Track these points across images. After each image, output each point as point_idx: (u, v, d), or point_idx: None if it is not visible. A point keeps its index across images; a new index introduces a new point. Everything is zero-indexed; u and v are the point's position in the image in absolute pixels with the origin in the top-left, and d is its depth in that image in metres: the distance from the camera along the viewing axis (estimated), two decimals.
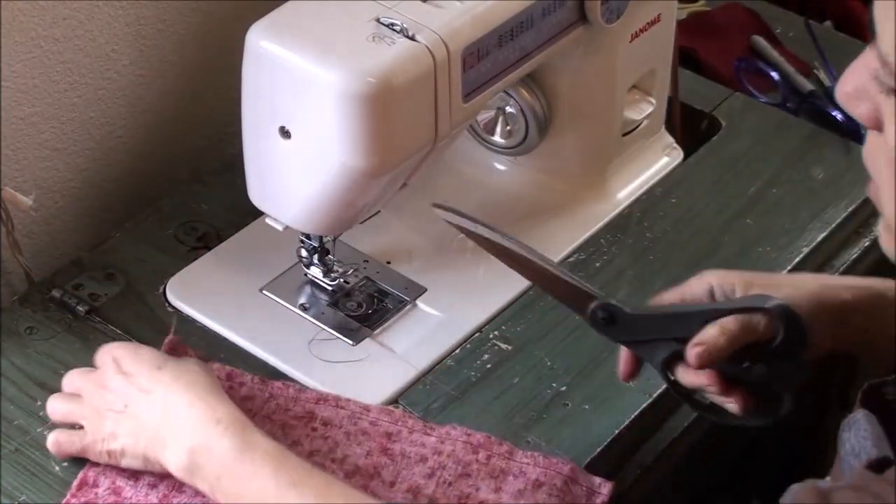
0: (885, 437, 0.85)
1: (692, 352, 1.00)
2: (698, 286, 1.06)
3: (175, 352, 1.15)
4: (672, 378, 1.04)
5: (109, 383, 1.08)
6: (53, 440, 1.09)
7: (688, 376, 1.02)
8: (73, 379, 1.11)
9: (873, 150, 0.82)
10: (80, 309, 1.22)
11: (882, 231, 0.84)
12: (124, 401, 1.06)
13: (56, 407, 1.10)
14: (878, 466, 0.85)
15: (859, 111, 0.80)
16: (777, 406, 1.01)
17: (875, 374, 0.98)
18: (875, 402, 0.90)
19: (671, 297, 1.06)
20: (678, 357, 1.03)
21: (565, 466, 1.08)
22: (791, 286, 1.05)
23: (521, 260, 1.06)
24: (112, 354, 1.10)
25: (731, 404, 1.01)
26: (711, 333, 1.00)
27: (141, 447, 1.04)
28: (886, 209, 0.81)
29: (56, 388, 1.16)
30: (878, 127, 0.80)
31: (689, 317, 1.03)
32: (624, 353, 1.07)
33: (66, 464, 1.11)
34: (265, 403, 1.12)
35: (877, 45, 0.76)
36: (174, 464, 1.02)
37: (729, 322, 1.00)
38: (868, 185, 0.84)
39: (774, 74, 1.54)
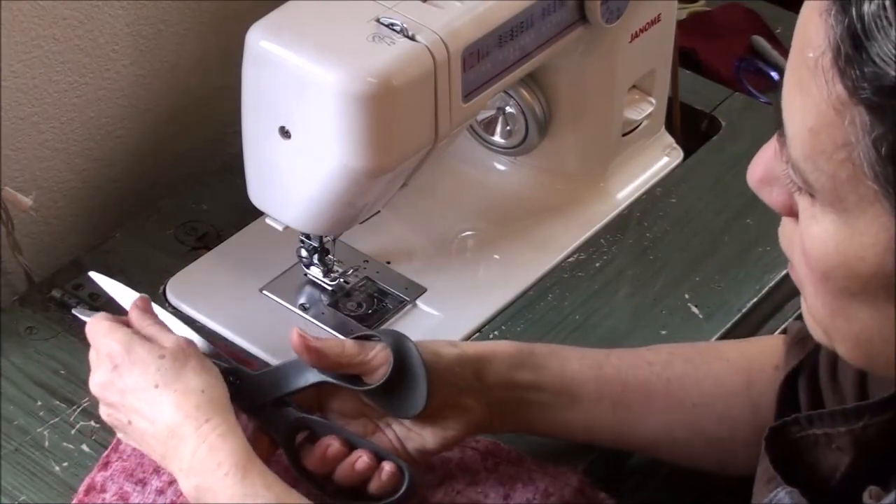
0: None
1: (300, 338, 1.01)
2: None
3: None
4: (300, 462, 1.03)
5: (108, 396, 1.03)
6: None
7: (314, 452, 1.02)
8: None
9: (789, 236, 0.79)
10: None
11: (806, 317, 0.81)
12: (127, 416, 1.02)
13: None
14: None
15: (772, 198, 0.78)
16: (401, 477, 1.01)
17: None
18: (779, 442, 0.88)
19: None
20: (306, 439, 1.03)
21: (574, 477, 1.08)
22: (437, 342, 1.06)
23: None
24: (107, 350, 1.02)
25: (359, 465, 1.01)
26: (326, 338, 1.03)
27: (153, 457, 1.03)
28: (809, 300, 0.78)
29: (56, 388, 1.16)
30: (792, 214, 0.77)
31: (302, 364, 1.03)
32: (252, 433, 1.04)
33: (66, 464, 1.11)
34: None
35: (787, 146, 0.73)
36: (184, 489, 0.99)
37: (346, 340, 1.03)
38: (788, 266, 0.81)
39: (774, 74, 1.54)
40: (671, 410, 1.05)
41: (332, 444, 1.02)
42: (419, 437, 1.04)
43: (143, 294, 1.09)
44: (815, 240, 0.74)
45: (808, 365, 0.96)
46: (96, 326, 1.04)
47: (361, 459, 1.01)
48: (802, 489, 0.85)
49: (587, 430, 1.07)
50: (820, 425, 0.87)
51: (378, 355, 1.02)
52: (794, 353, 0.98)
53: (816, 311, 0.78)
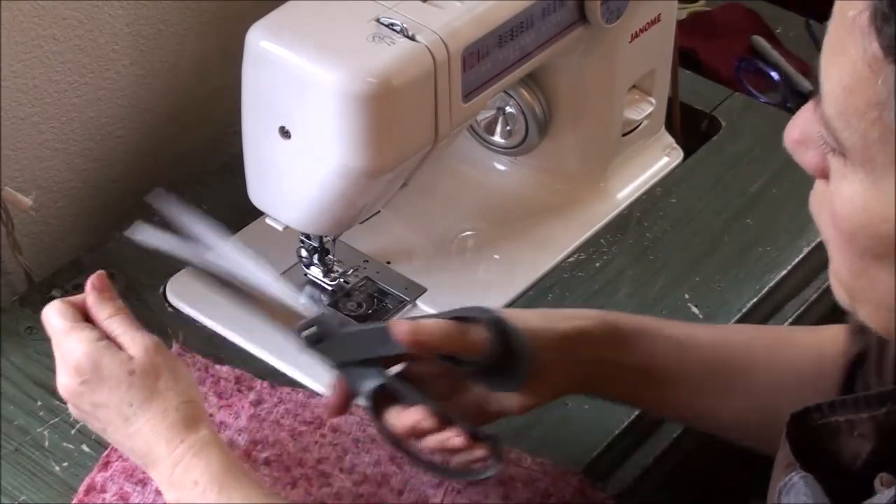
0: (823, 494, 0.84)
1: (398, 325, 0.99)
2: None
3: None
4: (381, 420, 1.01)
5: (80, 404, 1.01)
6: None
7: (400, 417, 1.00)
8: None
9: (820, 200, 0.79)
10: None
11: (832, 279, 0.81)
12: (102, 426, 1.01)
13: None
14: None
15: (806, 159, 0.78)
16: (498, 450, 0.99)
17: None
18: (801, 429, 0.88)
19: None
20: (389, 397, 1.00)
21: (574, 477, 1.08)
22: (529, 315, 1.05)
23: (228, 283, 1.04)
24: (73, 361, 0.99)
25: (452, 443, 0.99)
26: (425, 319, 1.01)
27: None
28: (834, 263, 0.79)
29: (56, 389, 1.16)
30: (824, 176, 0.77)
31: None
32: (335, 385, 1.04)
33: (66, 464, 1.11)
34: (275, 407, 1.13)
35: (821, 104, 0.74)
36: (167, 501, 0.99)
37: (444, 320, 1.01)
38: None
39: (774, 74, 1.54)
40: (749, 397, 1.05)
41: (426, 420, 0.99)
42: (501, 401, 1.04)
43: (99, 271, 1.04)
44: (844, 200, 0.74)
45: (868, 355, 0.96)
46: (55, 325, 1.01)
47: (458, 439, 0.98)
48: (819, 475, 0.85)
49: (661, 408, 1.08)
50: (843, 412, 0.87)
51: (478, 337, 1.01)
52: (855, 342, 0.98)
53: (841, 273, 0.79)
